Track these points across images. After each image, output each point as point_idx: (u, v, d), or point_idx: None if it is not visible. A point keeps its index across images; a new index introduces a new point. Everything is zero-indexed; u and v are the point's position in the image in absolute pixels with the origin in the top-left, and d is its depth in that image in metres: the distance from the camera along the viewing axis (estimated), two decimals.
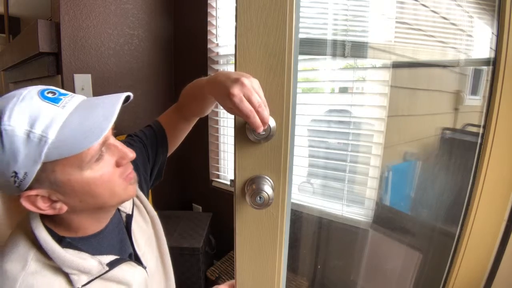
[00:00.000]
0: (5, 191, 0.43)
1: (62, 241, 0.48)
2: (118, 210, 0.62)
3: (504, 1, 0.69)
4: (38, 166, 0.40)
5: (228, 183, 1.89)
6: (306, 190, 1.39)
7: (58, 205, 0.45)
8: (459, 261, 0.81)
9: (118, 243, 0.58)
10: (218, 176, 1.95)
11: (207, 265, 1.69)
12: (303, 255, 1.39)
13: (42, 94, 0.42)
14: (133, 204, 0.65)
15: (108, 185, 0.47)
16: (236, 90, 0.45)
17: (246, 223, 0.60)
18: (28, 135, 0.39)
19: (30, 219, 0.48)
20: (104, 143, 0.46)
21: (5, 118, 0.38)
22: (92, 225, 0.52)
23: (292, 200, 0.60)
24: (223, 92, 0.47)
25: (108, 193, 0.48)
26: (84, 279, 0.48)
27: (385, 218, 1.21)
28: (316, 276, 1.39)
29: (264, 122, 0.47)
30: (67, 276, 0.46)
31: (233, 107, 0.46)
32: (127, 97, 0.48)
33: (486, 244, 0.81)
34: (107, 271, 0.51)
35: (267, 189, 0.54)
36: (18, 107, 0.39)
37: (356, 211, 1.26)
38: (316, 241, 1.37)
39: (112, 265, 0.52)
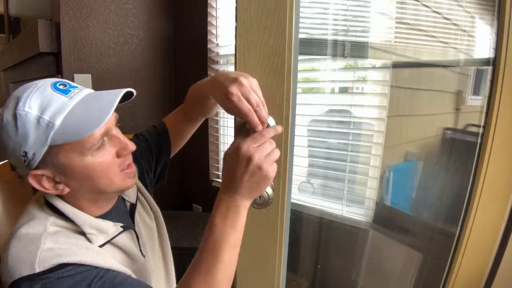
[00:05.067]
0: (17, 169, 0.49)
1: None
2: (123, 199, 0.64)
3: (504, 1, 0.69)
4: (45, 149, 0.45)
5: None
6: (306, 190, 1.39)
7: (61, 186, 0.49)
8: (459, 261, 0.81)
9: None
10: (218, 176, 1.95)
11: None
12: (303, 255, 1.39)
13: (54, 85, 0.47)
14: (137, 196, 0.67)
15: (106, 172, 0.50)
16: (234, 89, 0.46)
17: (246, 223, 0.60)
18: (38, 120, 0.44)
19: (46, 196, 0.51)
20: (106, 133, 0.49)
21: (21, 104, 0.44)
22: (90, 210, 0.54)
23: (292, 200, 0.60)
24: (222, 92, 0.48)
25: (106, 180, 0.51)
26: (101, 239, 0.52)
27: (385, 218, 1.21)
28: (316, 276, 1.39)
29: (262, 121, 0.47)
30: (85, 236, 0.50)
31: (231, 106, 0.47)
32: (131, 92, 0.51)
33: (486, 244, 0.80)
34: (121, 232, 0.55)
35: (267, 189, 0.54)
36: (33, 95, 0.45)
37: (356, 211, 1.26)
38: (316, 241, 1.37)
39: (124, 228, 0.56)
